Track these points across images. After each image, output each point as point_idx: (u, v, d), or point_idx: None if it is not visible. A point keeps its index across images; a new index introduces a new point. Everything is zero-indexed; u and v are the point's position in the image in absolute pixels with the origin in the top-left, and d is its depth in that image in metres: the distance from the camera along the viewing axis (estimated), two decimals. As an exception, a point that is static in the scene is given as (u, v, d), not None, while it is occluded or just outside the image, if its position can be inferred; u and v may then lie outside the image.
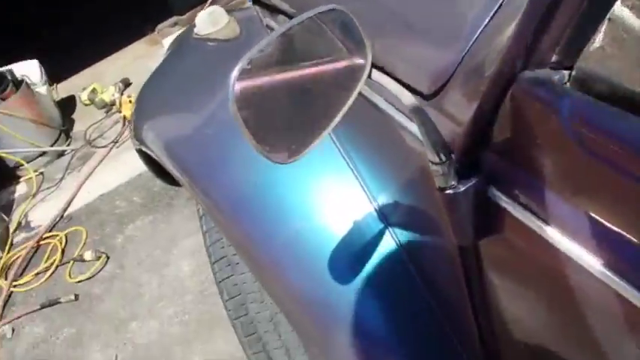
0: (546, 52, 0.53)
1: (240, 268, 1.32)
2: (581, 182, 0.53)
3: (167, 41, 3.56)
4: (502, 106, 0.58)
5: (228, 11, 1.57)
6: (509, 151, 0.60)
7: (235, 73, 0.54)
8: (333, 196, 1.10)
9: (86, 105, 3.60)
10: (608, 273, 0.51)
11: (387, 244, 1.05)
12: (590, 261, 0.53)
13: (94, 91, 3.56)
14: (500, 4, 0.63)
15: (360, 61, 0.62)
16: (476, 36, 0.65)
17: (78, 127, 3.52)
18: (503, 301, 0.75)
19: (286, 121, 0.61)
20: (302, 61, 0.60)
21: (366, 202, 1.06)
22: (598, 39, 0.49)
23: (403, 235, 1.02)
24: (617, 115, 0.47)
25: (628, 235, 0.49)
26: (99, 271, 2.38)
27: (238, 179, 1.18)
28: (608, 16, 0.48)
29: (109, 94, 3.51)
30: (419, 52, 0.76)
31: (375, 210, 1.06)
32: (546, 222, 0.57)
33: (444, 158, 0.63)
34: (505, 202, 0.62)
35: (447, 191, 0.64)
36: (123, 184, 2.78)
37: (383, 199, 1.04)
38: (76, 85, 3.80)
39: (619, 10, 0.48)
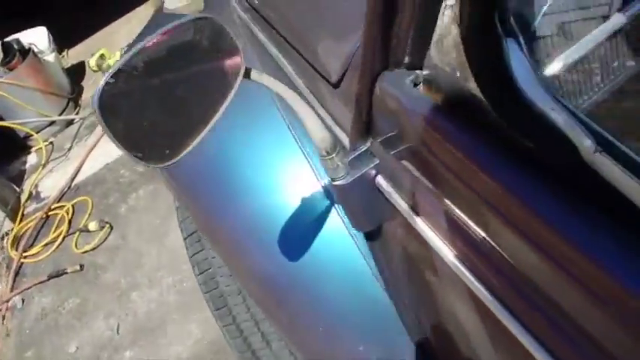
0: (399, 54, 0.54)
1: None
2: (431, 176, 0.55)
3: (170, 3, 3.59)
4: (372, 101, 0.60)
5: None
6: (385, 142, 0.62)
7: (100, 84, 0.57)
8: (286, 176, 1.13)
9: (94, 71, 3.67)
10: (458, 264, 0.54)
11: (333, 219, 1.08)
12: (446, 252, 0.55)
13: (102, 56, 3.62)
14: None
15: (234, 64, 0.64)
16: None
17: (87, 94, 3.60)
18: (404, 284, 0.78)
19: (159, 127, 0.64)
20: (174, 69, 0.63)
21: (315, 181, 1.10)
22: (434, 43, 0.50)
23: None
24: (450, 116, 0.49)
25: (473, 226, 0.51)
26: (103, 242, 2.48)
27: (197, 159, 1.22)
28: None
29: (115, 60, 3.57)
30: (328, 44, 0.78)
31: (323, 188, 1.09)
32: (416, 212, 0.59)
33: (330, 151, 0.66)
34: (387, 191, 0.64)
35: (337, 182, 0.67)
36: (127, 153, 2.85)
37: (329, 178, 1.07)
38: (86, 51, 3.87)
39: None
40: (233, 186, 1.17)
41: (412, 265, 0.69)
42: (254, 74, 0.65)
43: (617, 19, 0.58)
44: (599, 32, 0.56)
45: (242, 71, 0.64)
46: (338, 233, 1.07)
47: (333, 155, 0.66)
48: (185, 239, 1.43)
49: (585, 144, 0.37)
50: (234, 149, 1.19)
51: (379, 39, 0.52)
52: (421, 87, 0.54)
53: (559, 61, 0.56)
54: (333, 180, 0.68)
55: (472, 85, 0.47)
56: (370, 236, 0.78)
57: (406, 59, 0.54)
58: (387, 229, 0.71)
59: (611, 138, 0.37)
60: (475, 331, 0.59)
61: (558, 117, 0.39)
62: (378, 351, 1.08)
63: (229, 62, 0.64)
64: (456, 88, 0.49)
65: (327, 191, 1.09)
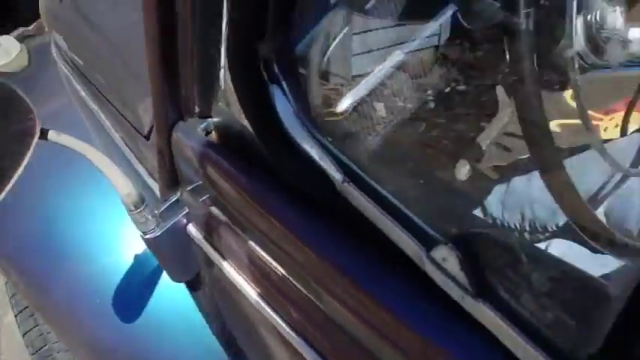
0: (190, 104, 0.57)
1: (44, 317, 1.32)
2: (231, 219, 0.58)
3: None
4: (173, 152, 0.63)
5: (23, 39, 1.56)
6: (192, 190, 0.65)
7: None
8: (114, 236, 1.12)
9: None
10: (260, 302, 0.57)
11: (165, 279, 1.08)
12: (251, 292, 0.58)
13: None
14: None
15: (28, 127, 0.64)
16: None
17: None
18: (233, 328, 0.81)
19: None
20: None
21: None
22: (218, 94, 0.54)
23: None
24: (234, 160, 0.53)
25: (269, 262, 0.55)
26: None
27: (20, 228, 1.18)
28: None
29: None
30: (138, 97, 0.80)
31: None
32: (224, 257, 0.62)
33: (137, 206, 0.67)
34: (197, 239, 0.66)
35: (147, 236, 0.68)
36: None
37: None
38: None
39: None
40: (60, 253, 1.14)
41: (233, 310, 0.71)
42: (52, 135, 0.66)
43: (397, 57, 0.65)
44: (380, 71, 0.63)
45: (37, 133, 0.64)
46: (173, 287, 1.07)
47: (141, 209, 0.67)
48: (16, 316, 1.35)
49: (336, 176, 0.42)
50: (58, 215, 1.15)
51: (166, 92, 0.56)
52: (213, 134, 0.58)
53: (347, 99, 0.62)
54: (143, 234, 0.69)
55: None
56: (193, 286, 0.79)
57: (196, 109, 0.57)
58: (204, 277, 0.73)
59: (356, 169, 0.42)
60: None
61: (315, 153, 0.43)
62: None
63: (24, 125, 0.64)
64: (241, 133, 0.53)
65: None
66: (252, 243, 0.56)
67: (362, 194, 0.41)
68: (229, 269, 0.60)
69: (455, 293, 0.39)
